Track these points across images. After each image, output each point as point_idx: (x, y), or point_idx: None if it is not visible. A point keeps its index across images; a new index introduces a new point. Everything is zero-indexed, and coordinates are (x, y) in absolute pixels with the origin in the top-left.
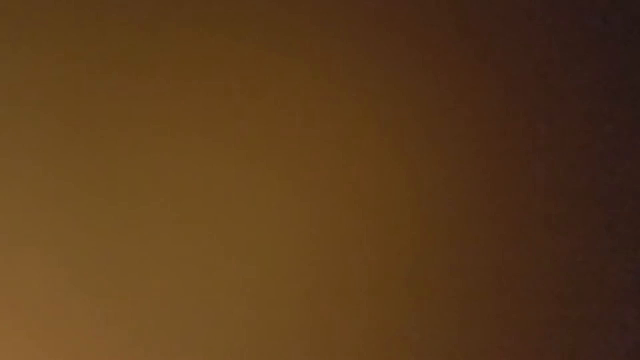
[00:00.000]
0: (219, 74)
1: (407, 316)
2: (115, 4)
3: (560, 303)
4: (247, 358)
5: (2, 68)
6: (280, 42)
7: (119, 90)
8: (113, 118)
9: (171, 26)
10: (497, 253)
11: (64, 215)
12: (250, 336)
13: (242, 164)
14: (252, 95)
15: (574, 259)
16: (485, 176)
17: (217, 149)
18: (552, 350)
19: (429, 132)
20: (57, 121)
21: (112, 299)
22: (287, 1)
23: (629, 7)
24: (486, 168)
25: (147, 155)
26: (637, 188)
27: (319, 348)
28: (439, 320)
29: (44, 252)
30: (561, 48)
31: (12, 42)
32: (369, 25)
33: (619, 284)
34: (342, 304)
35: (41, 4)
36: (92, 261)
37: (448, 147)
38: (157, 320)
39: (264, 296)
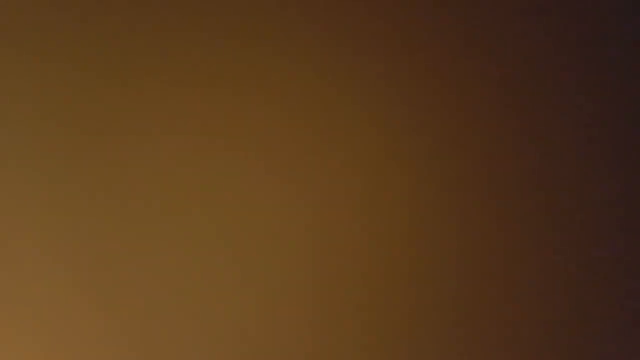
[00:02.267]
0: (218, 75)
1: (406, 316)
2: (117, 8)
3: (560, 303)
4: (247, 358)
5: (2, 69)
6: (279, 42)
7: (119, 92)
8: (113, 119)
9: (171, 28)
10: (496, 251)
11: (64, 216)
12: (250, 337)
13: (242, 165)
14: (250, 96)
15: (574, 258)
16: (484, 176)
17: (217, 151)
18: (552, 351)
19: (428, 132)
20: (58, 122)
21: (112, 300)
22: (286, 2)
23: (629, 6)
24: (485, 167)
25: (150, 157)
26: (637, 187)
27: (317, 348)
28: (438, 321)
29: (45, 252)
30: (560, 47)
31: (12, 44)
32: (367, 25)
33: (619, 284)
34: (341, 304)
35: (41, 8)
36: (92, 262)
37: (447, 146)
38: (157, 321)
39: (264, 297)
